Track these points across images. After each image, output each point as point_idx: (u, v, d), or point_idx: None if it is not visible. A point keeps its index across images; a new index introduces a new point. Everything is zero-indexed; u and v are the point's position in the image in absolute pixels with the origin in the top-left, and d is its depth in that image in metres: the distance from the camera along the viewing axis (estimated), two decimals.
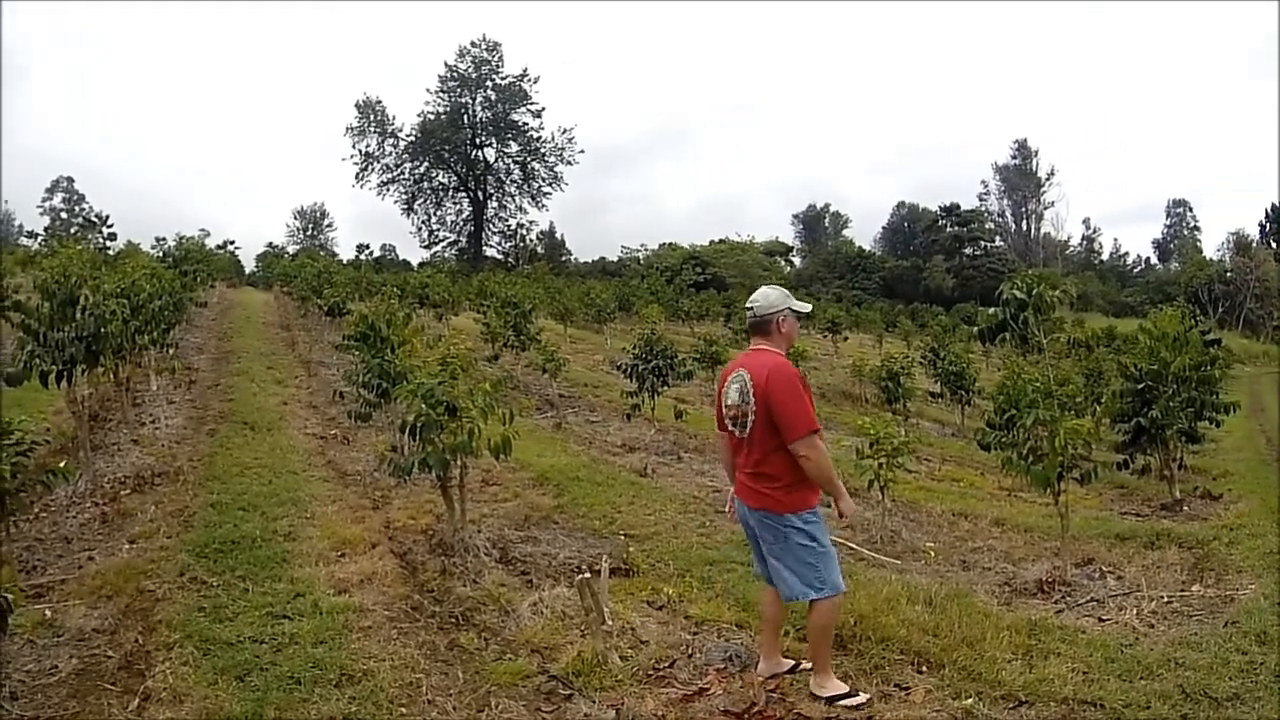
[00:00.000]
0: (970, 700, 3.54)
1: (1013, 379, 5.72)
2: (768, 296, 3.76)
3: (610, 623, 3.90)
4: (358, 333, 7.74)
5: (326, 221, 71.52)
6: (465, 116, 66.59)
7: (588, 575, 3.84)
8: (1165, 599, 4.96)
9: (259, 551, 5.15)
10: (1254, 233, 67.16)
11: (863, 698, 3.56)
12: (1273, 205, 66.93)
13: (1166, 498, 8.78)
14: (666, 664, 3.91)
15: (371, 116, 64.92)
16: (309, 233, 69.64)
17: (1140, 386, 8.94)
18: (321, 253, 51.38)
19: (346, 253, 58.93)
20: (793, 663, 3.88)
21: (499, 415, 5.18)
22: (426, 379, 5.12)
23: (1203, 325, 11.26)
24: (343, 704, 3.41)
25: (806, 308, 3.86)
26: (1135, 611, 4.74)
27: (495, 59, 65.56)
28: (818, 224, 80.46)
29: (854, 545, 6.21)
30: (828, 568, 3.56)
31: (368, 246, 60.14)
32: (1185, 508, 8.40)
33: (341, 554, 5.26)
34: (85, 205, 48.99)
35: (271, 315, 21.94)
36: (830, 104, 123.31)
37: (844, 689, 3.60)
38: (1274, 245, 64.87)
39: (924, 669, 3.90)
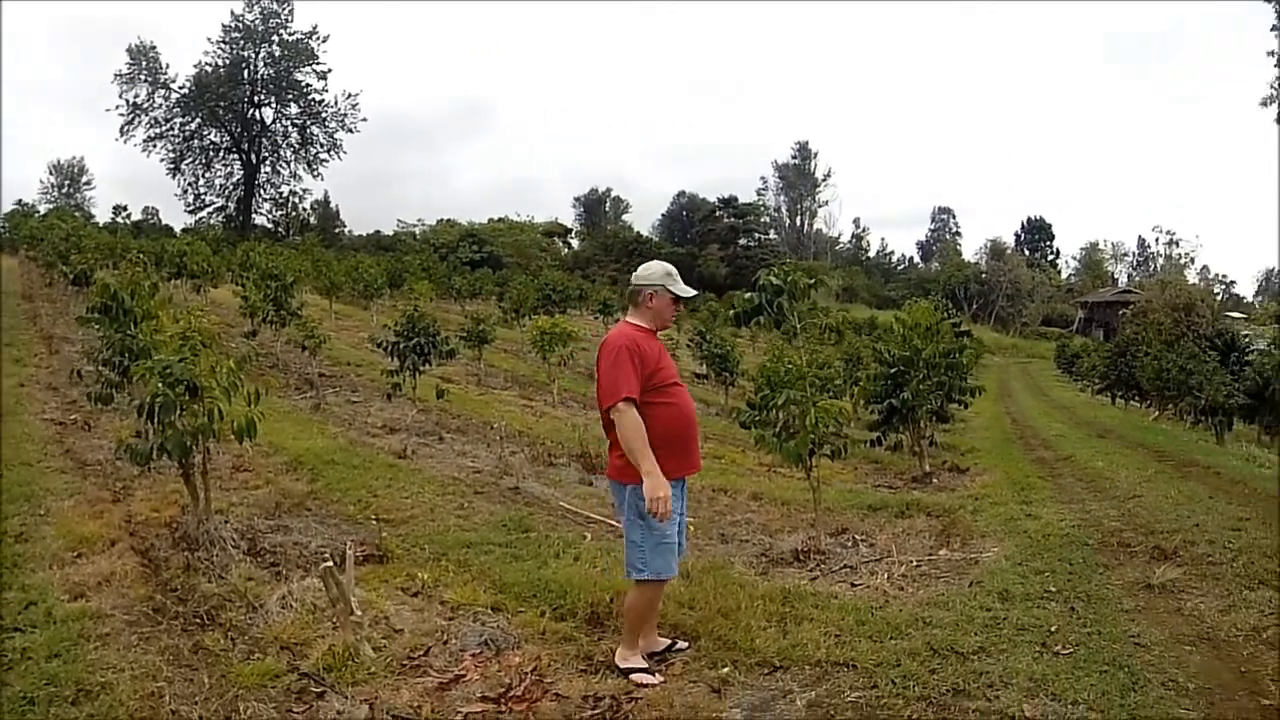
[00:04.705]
0: (726, 669, 3.63)
1: (774, 362, 6.00)
2: (649, 269, 3.69)
3: (360, 613, 3.73)
4: (99, 304, 6.89)
5: (85, 179, 64.39)
6: (245, 72, 61.06)
7: (330, 564, 3.64)
8: (914, 563, 5.28)
9: None
10: (1010, 240, 76.54)
11: (657, 679, 3.56)
12: (1028, 217, 76.79)
13: (918, 471, 9.58)
14: (421, 652, 3.79)
15: (143, 63, 58.16)
16: (65, 190, 62.22)
17: (893, 371, 9.65)
18: (77, 213, 45.96)
19: (105, 215, 53.46)
20: (669, 641, 3.88)
21: (244, 395, 4.84)
22: (167, 356, 4.67)
23: (956, 318, 12.48)
24: None
25: (688, 292, 3.73)
26: (886, 576, 5.01)
27: (285, 13, 60.64)
28: (598, 208, 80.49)
29: (597, 517, 6.30)
30: (653, 551, 3.50)
31: (125, 208, 54.92)
32: (934, 480, 9.23)
33: (78, 554, 4.78)
34: None
35: (15, 283, 19.55)
36: (627, 96, 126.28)
37: (643, 665, 3.63)
38: (1027, 252, 74.47)
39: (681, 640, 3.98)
